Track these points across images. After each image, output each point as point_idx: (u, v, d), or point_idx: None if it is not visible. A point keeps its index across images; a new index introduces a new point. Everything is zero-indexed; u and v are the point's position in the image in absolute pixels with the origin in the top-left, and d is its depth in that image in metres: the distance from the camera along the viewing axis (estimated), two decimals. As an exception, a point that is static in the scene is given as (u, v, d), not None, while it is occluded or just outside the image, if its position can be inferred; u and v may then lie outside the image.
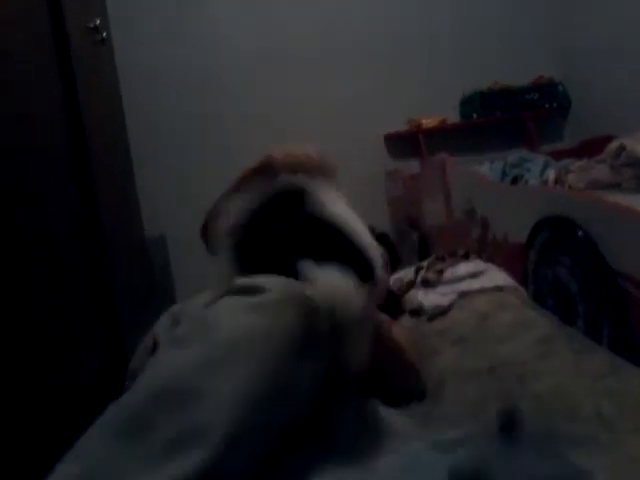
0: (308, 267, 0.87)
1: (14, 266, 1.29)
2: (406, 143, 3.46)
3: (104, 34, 2.12)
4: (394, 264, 1.86)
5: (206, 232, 1.34)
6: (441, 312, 1.69)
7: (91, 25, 2.03)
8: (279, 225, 1.07)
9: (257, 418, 0.68)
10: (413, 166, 3.34)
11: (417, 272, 1.90)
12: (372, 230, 1.82)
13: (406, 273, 1.96)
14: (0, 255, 1.24)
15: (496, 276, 1.77)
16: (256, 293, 0.79)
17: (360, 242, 1.08)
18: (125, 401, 0.68)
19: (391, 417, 0.97)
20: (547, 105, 3.47)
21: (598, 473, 0.68)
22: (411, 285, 1.88)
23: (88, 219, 1.77)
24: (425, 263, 1.93)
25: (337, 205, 1.12)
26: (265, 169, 1.24)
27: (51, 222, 1.52)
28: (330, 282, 0.85)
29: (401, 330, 1.53)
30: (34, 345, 1.31)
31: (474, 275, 1.77)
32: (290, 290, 0.80)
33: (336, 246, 1.04)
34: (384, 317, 1.54)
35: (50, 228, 1.51)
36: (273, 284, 0.81)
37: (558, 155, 2.81)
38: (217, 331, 0.73)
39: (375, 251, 1.10)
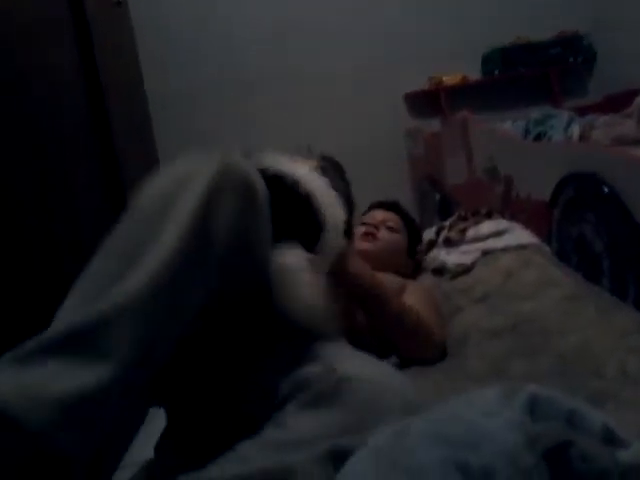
0: None
1: (41, 231, 1.31)
2: (427, 101, 3.40)
3: (120, -4, 2.11)
4: (413, 236, 1.80)
5: None
6: (464, 270, 1.68)
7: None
8: None
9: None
10: (434, 125, 3.29)
11: (438, 232, 1.89)
12: (382, 203, 1.81)
13: (427, 233, 1.95)
14: (34, 212, 1.25)
15: (520, 234, 1.75)
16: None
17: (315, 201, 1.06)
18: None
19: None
20: (571, 59, 3.38)
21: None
22: (432, 245, 1.88)
23: (109, 181, 1.78)
24: (447, 222, 1.92)
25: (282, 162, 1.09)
26: None
27: (74, 189, 1.54)
28: None
29: (418, 291, 1.52)
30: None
31: (498, 234, 1.76)
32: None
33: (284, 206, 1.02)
34: (397, 281, 1.54)
35: (74, 195, 1.52)
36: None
37: (583, 110, 2.75)
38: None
39: (331, 209, 1.07)
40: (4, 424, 0.65)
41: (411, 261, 1.78)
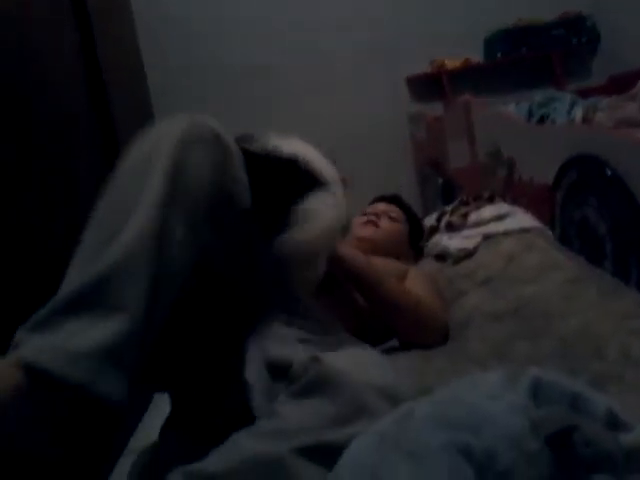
0: None
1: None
2: (429, 85, 3.39)
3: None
4: (414, 228, 1.83)
5: None
6: (466, 255, 1.68)
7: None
8: None
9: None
10: (437, 109, 3.28)
11: (439, 218, 1.89)
12: (384, 197, 1.86)
13: (428, 220, 1.95)
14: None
15: (522, 218, 1.75)
16: None
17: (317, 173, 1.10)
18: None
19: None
20: (575, 41, 3.35)
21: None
22: (434, 230, 1.88)
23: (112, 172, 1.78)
24: (449, 208, 1.91)
25: (287, 141, 1.13)
26: None
27: (75, 184, 1.53)
28: None
29: (419, 276, 1.54)
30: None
31: (499, 218, 1.76)
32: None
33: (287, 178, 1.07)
34: (399, 267, 1.56)
35: (75, 192, 1.52)
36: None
37: (586, 92, 2.73)
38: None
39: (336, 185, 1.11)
40: (44, 382, 0.70)
41: (412, 252, 1.80)
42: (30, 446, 0.72)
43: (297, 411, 0.81)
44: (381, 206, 1.76)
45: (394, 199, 1.83)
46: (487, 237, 1.70)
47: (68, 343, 0.72)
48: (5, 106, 1.24)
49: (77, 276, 0.79)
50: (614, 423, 0.65)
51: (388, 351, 1.37)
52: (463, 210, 1.84)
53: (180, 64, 3.17)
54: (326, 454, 0.75)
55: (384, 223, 1.68)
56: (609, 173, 1.58)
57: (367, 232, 1.62)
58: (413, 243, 1.80)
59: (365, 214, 1.71)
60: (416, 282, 1.46)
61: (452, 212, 1.86)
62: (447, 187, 2.86)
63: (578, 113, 2.21)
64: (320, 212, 1.02)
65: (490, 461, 0.60)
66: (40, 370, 0.70)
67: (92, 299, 0.76)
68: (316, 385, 0.83)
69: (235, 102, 3.20)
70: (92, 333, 0.73)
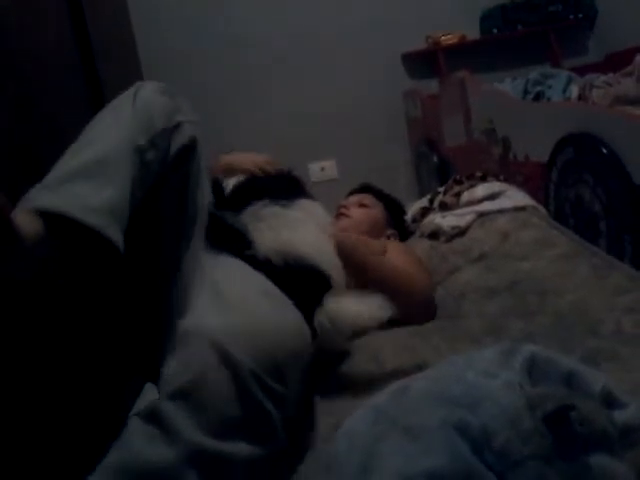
0: None
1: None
2: (424, 62, 3.36)
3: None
4: (391, 208, 1.87)
5: None
6: (459, 233, 1.69)
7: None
8: None
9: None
10: (433, 86, 3.25)
11: (432, 199, 1.89)
12: (354, 189, 1.95)
13: (421, 202, 1.96)
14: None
15: (515, 196, 1.75)
16: None
17: None
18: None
19: None
20: (572, 16, 3.32)
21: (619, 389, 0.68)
22: (426, 212, 1.88)
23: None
24: (442, 188, 1.91)
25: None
26: None
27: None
28: None
29: (396, 249, 1.58)
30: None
31: (492, 196, 1.76)
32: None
33: None
34: (379, 243, 1.59)
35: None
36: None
37: (582, 70, 2.71)
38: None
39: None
40: (62, 227, 0.87)
41: (395, 231, 1.84)
42: (44, 279, 0.90)
43: (168, 368, 1.00)
44: (352, 198, 1.85)
45: (364, 188, 1.93)
46: (482, 215, 1.70)
47: (81, 200, 0.91)
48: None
49: (73, 160, 0.98)
50: (609, 401, 0.65)
51: (385, 327, 1.38)
52: (456, 189, 1.84)
53: (175, 43, 3.13)
54: (191, 393, 0.94)
55: (354, 212, 1.76)
56: (605, 151, 1.58)
57: (341, 224, 1.69)
58: (395, 222, 1.86)
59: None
60: (395, 255, 1.50)
61: (445, 192, 1.86)
62: (443, 166, 2.85)
63: (574, 91, 2.21)
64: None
65: (486, 438, 0.60)
66: (62, 216, 0.87)
67: (92, 173, 0.96)
68: (179, 344, 1.01)
69: (231, 80, 3.17)
70: (98, 195, 0.93)
